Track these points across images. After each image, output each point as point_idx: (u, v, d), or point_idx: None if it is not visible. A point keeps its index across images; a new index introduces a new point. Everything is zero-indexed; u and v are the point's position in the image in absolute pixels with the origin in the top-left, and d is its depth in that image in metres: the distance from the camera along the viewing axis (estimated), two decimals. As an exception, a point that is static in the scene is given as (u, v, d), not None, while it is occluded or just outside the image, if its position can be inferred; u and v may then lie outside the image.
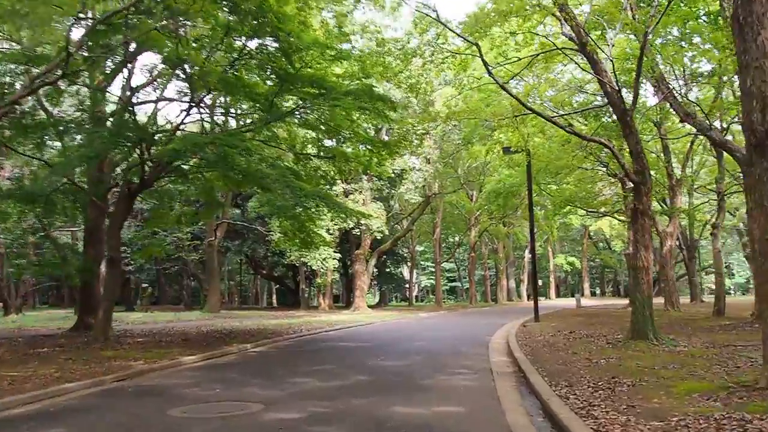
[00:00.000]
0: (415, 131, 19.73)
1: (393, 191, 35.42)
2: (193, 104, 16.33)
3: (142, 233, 30.11)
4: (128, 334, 18.13)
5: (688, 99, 16.53)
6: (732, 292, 76.38)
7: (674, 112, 15.75)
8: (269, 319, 27.03)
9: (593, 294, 69.18)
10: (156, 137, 15.04)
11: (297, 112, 16.24)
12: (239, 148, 12.23)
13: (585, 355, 9.99)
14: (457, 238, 59.51)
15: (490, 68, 11.47)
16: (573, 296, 70.36)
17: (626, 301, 39.27)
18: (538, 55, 12.68)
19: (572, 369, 8.55)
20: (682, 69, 17.94)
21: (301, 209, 15.07)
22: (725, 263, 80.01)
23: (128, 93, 16.50)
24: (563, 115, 13.98)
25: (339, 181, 31.12)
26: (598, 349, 10.79)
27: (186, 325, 22.80)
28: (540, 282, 69.83)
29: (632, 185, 11.88)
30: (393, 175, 30.59)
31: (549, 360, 9.63)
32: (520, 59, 12.78)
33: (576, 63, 14.06)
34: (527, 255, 62.12)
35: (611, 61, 11.04)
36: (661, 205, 26.18)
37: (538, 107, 15.28)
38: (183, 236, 39.40)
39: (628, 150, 11.97)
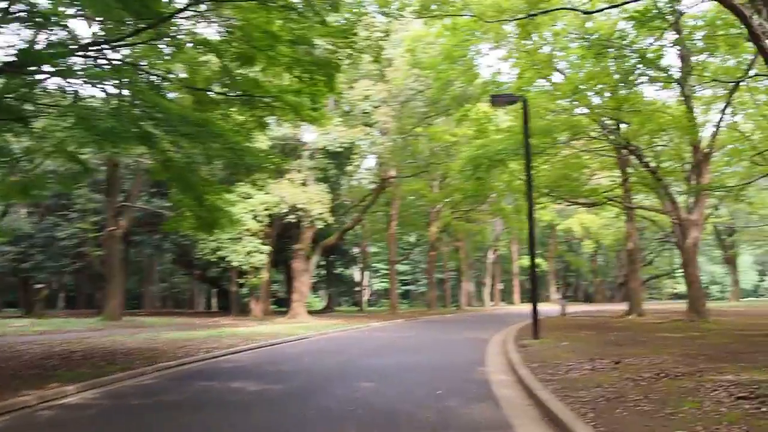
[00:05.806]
0: (370, 37, 13.70)
1: (341, 175, 29.15)
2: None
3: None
4: None
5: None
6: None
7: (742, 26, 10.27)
8: (177, 330, 20.70)
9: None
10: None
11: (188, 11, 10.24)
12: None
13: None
14: (413, 238, 53.95)
15: None
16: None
17: (618, 307, 34.37)
18: None
19: None
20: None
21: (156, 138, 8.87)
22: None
23: None
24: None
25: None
26: (738, 414, 5.11)
27: (51, 339, 16.42)
28: (502, 286, 65.11)
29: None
30: (341, 149, 24.38)
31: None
32: None
33: None
34: (491, 256, 57.26)
35: None
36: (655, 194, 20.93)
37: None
38: (87, 227, 32.30)
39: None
